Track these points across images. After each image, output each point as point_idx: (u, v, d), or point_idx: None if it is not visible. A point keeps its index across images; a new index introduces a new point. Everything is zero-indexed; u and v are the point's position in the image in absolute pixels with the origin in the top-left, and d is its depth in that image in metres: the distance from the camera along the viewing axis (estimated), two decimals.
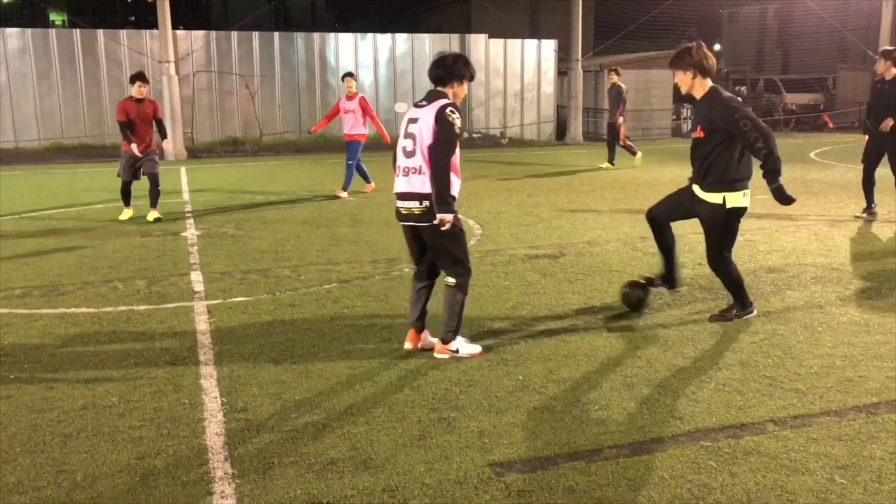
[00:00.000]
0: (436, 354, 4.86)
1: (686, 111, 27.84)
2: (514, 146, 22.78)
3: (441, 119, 4.56)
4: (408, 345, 5.01)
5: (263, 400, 4.24)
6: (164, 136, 10.45)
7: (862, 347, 4.97)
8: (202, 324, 5.64)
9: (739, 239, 5.48)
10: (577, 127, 24.02)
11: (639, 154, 16.25)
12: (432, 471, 3.43)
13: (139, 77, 9.91)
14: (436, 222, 4.62)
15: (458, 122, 4.61)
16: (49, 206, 11.64)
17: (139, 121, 9.82)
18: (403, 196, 4.74)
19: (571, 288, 6.53)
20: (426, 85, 23.30)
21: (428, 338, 5.02)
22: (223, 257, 7.90)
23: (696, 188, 5.41)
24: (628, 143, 16.25)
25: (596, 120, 26.15)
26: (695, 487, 3.26)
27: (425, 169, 4.62)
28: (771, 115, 29.06)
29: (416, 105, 4.78)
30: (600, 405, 4.12)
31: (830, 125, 27.43)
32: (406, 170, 4.71)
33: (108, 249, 8.39)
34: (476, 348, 4.94)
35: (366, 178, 12.73)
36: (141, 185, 10.13)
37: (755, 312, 5.58)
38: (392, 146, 5.37)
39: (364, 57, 23.38)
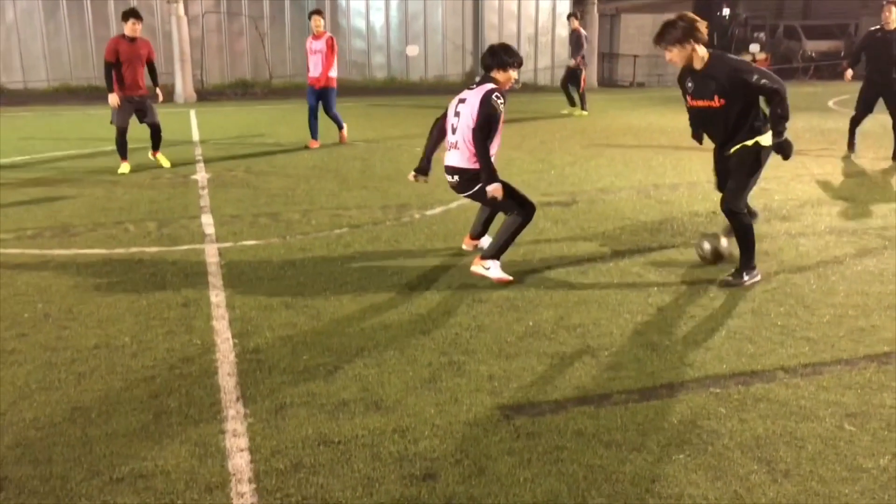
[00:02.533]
0: (471, 268, 5.33)
1: None
2: (526, 91, 22.49)
3: (485, 103, 5.10)
4: (463, 245, 5.96)
5: (275, 342, 4.26)
6: (155, 82, 9.55)
7: (875, 297, 4.94)
8: (213, 266, 5.65)
9: (753, 188, 5.39)
10: (591, 72, 23.64)
11: (579, 112, 15.78)
12: (442, 413, 3.46)
13: (132, 14, 9.15)
14: (492, 192, 5.18)
15: (501, 108, 5.15)
16: (59, 147, 11.61)
17: (130, 61, 9.08)
18: (446, 169, 5.37)
19: (583, 235, 6.50)
20: (437, 26, 22.85)
21: (482, 242, 5.84)
22: (233, 201, 7.89)
23: (725, 150, 5.22)
24: (585, 92, 15.96)
25: (611, 65, 25.78)
26: (703, 433, 3.28)
27: (461, 145, 5.21)
28: (789, 62, 28.52)
29: (468, 87, 5.35)
30: (610, 351, 4.13)
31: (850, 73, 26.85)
32: (451, 145, 5.32)
33: (119, 192, 8.38)
34: (507, 277, 5.24)
35: (314, 134, 11.50)
36: (138, 135, 9.83)
37: (759, 277, 5.23)
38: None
39: None
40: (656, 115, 15.88)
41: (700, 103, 5.10)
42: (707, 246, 5.50)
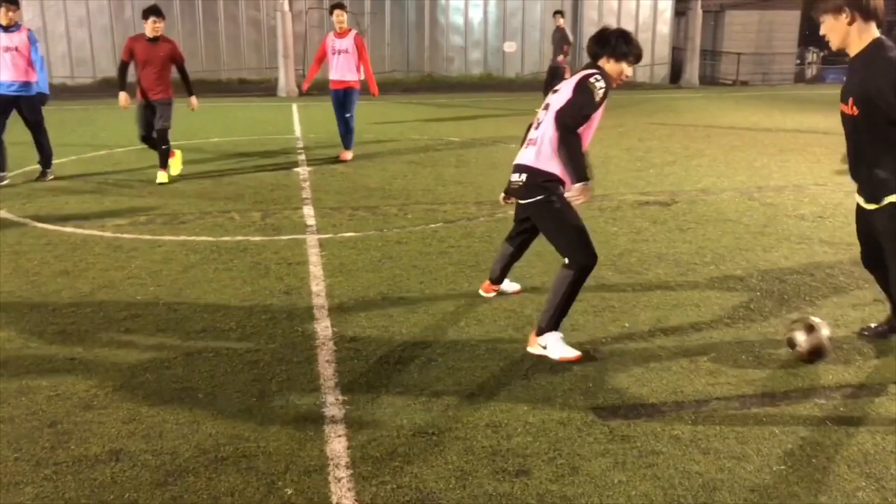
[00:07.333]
0: (528, 348, 4.16)
1: (812, 55, 26.08)
2: (625, 88, 22.08)
3: (581, 87, 4.02)
4: (481, 291, 4.95)
5: (372, 331, 4.36)
6: (189, 90, 8.84)
7: None
8: (314, 256, 5.82)
9: None
10: (693, 70, 23.06)
11: None
12: (535, 410, 3.46)
13: (153, 12, 8.30)
14: (575, 195, 4.03)
15: (600, 94, 4.01)
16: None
17: (148, 63, 8.30)
18: (514, 168, 4.30)
19: (682, 237, 6.36)
20: (535, 23, 22.61)
21: (508, 285, 4.97)
22: (333, 193, 8.08)
23: (860, 199, 3.83)
24: None
25: (713, 63, 25.04)
26: (807, 444, 3.16)
27: (541, 140, 4.15)
28: None
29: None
30: (709, 356, 4.03)
31: None
32: (529, 141, 4.29)
33: (224, 182, 8.72)
34: (572, 353, 4.02)
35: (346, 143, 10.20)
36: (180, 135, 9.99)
37: None
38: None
39: None
40: (761, 114, 15.34)
41: (842, 107, 3.72)
42: (802, 337, 3.86)
